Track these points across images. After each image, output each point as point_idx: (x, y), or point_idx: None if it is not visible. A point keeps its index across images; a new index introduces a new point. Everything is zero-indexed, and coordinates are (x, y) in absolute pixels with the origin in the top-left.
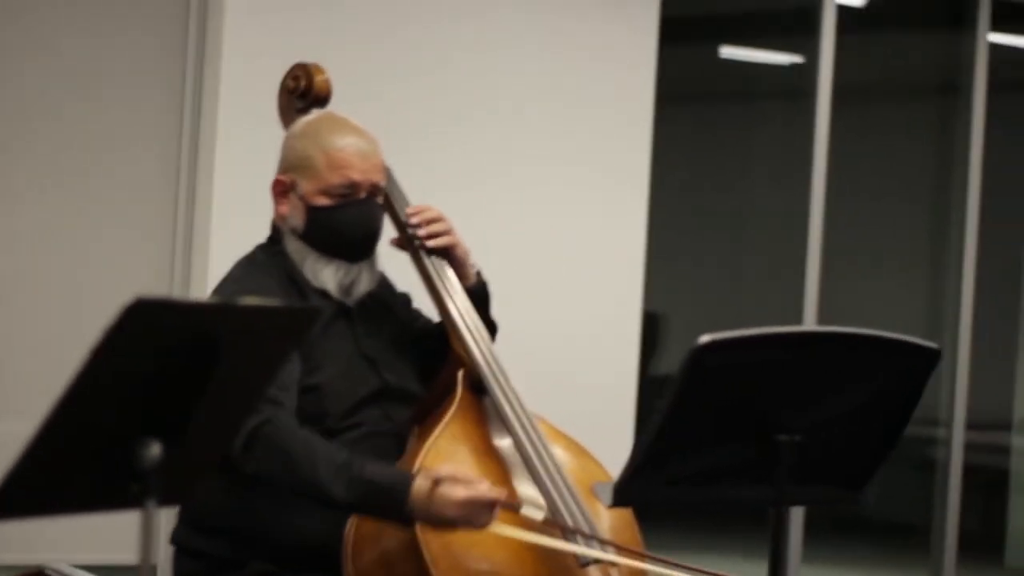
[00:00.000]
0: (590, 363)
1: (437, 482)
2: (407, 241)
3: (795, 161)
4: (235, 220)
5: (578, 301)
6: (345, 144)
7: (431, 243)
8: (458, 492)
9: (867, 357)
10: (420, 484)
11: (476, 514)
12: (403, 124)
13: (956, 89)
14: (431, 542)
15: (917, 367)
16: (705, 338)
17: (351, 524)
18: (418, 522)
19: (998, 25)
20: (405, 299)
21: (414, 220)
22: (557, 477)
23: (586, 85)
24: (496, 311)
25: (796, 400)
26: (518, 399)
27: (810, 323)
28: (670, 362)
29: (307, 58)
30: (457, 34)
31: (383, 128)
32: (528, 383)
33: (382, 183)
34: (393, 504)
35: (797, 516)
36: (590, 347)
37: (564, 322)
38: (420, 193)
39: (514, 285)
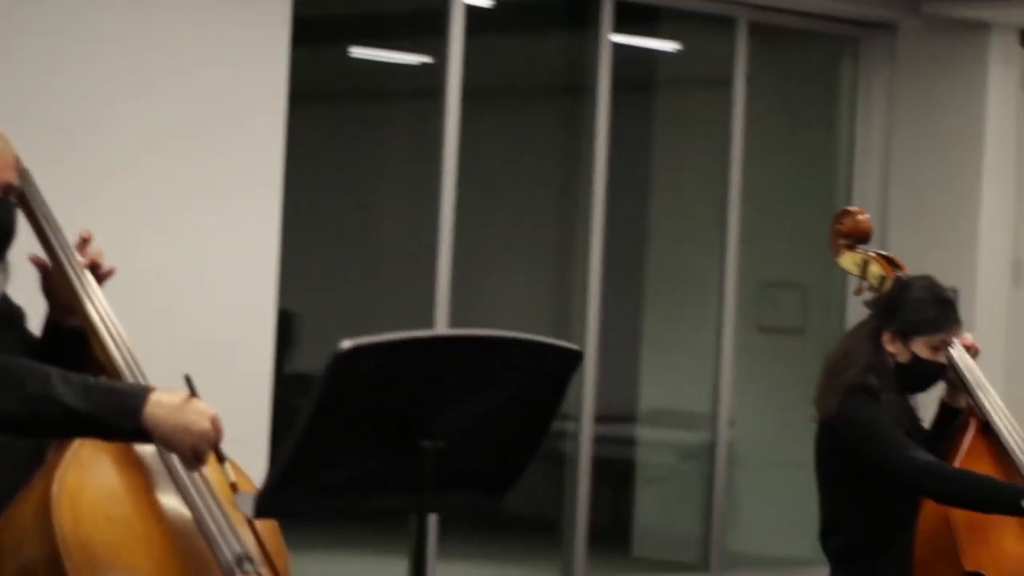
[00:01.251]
0: (225, 363)
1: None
2: (50, 255)
3: (425, 160)
4: None
5: (212, 301)
6: None
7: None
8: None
9: (509, 360)
10: (168, 391)
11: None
12: (37, 125)
13: (581, 89)
14: (73, 553)
15: (559, 368)
16: (347, 343)
17: None
18: (158, 426)
19: (620, 26)
20: (21, 312)
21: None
22: (201, 486)
23: (218, 85)
24: (129, 312)
25: (440, 405)
26: None
27: (442, 321)
28: (305, 360)
29: None
30: (89, 35)
31: (21, 129)
32: (163, 384)
33: (15, 182)
34: (129, 404)
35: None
36: (224, 347)
37: (198, 322)
38: (52, 193)
39: (146, 285)
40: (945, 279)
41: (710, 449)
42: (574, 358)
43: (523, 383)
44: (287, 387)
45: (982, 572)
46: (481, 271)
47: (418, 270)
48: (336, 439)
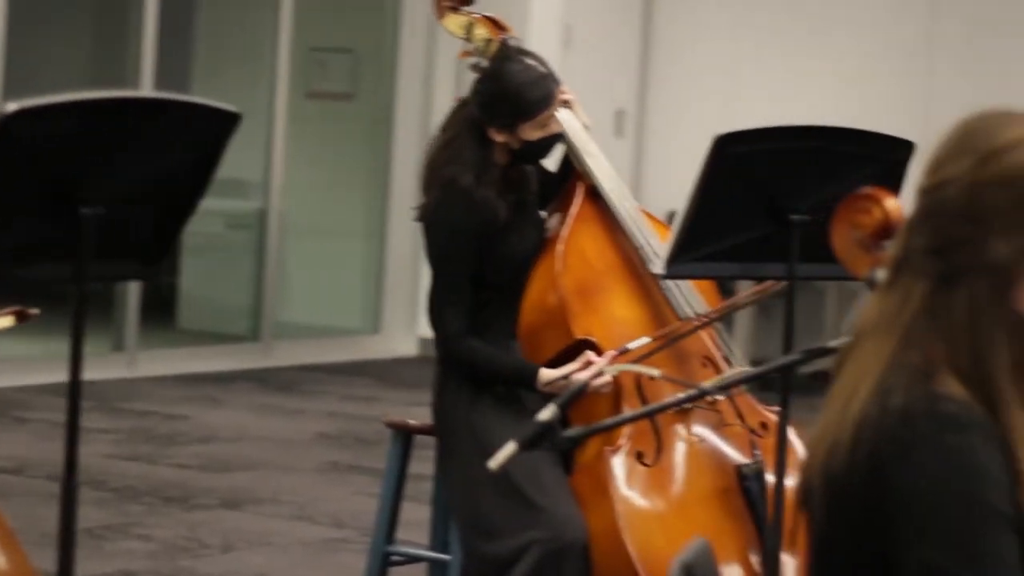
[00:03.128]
0: None
1: None
2: None
3: None
4: None
5: None
6: None
7: None
8: None
9: (168, 122)
10: None
11: None
12: None
13: None
14: None
15: (215, 132)
16: (12, 106)
17: None
18: None
19: None
20: None
21: None
22: None
23: None
24: None
25: (100, 170)
26: None
27: None
28: None
29: None
30: None
31: None
32: None
33: None
34: None
35: None
36: None
37: None
38: None
39: None
40: None
41: (261, 218)
42: (230, 121)
43: (180, 147)
44: None
45: (591, 339)
46: (35, 35)
47: None
48: None
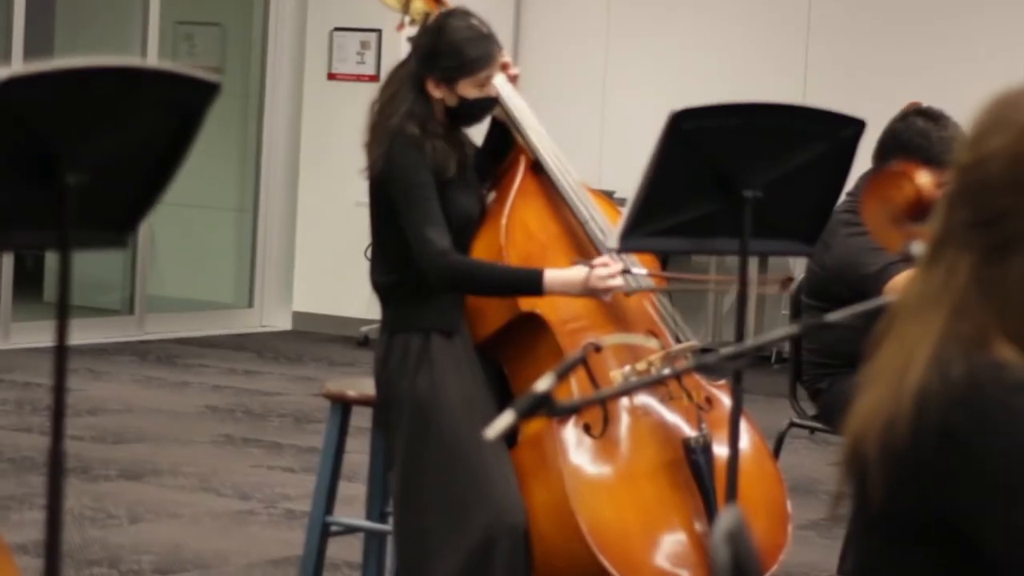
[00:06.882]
0: None
1: None
2: None
3: None
4: None
5: None
6: None
7: None
8: None
9: (147, 90)
10: None
11: None
12: None
13: None
14: None
15: (195, 101)
16: (2, 72)
17: None
18: None
19: None
20: None
21: None
22: None
23: None
24: None
25: (82, 139)
26: None
27: None
28: None
29: None
30: None
31: None
32: None
33: None
34: None
35: None
36: None
37: None
38: None
39: None
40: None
41: None
42: (210, 89)
43: (160, 115)
44: None
45: (536, 313)
46: None
47: None
48: None
